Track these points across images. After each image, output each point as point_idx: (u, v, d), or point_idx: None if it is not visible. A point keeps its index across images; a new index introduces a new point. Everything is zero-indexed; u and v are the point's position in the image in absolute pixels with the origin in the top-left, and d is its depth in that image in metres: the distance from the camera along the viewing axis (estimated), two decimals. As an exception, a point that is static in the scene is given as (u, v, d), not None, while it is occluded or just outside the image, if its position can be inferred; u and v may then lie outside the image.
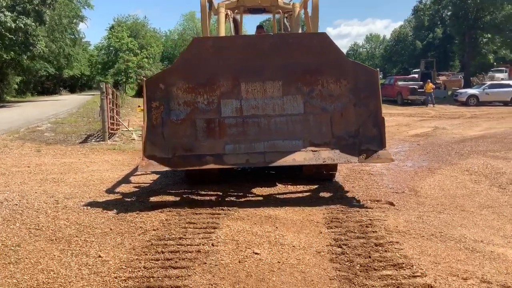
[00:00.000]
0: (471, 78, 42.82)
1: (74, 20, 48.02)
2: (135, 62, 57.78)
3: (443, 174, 8.17)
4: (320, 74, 6.43)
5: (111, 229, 5.35)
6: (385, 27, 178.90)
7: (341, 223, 5.43)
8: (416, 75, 43.38)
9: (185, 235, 5.05)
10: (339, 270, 4.07)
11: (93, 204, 6.38)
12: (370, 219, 5.53)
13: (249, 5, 8.50)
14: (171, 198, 6.79)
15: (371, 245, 4.65)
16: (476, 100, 32.34)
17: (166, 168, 6.33)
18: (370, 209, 5.99)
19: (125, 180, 8.12)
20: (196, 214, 5.88)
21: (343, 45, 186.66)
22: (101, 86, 12.74)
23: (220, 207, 6.11)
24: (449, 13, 48.64)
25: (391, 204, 6.21)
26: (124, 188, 7.48)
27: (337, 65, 6.38)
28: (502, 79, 41.22)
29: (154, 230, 5.29)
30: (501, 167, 8.61)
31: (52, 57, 45.69)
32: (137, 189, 7.38)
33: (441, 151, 11.07)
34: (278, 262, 4.30)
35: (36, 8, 27.58)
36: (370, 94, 6.38)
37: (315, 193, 6.93)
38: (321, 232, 5.13)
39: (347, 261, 4.27)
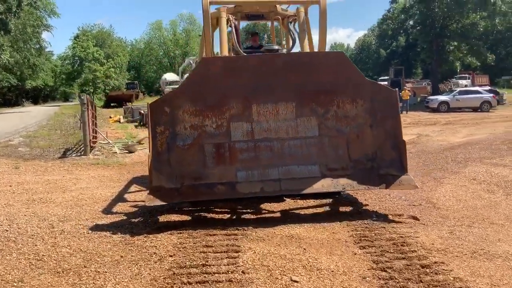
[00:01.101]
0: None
1: (38, 30, 46.37)
2: (102, 72, 56.45)
3: (451, 184, 7.94)
4: (335, 94, 6.07)
5: (121, 256, 4.80)
6: (347, 36, 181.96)
7: (372, 241, 5.05)
8: (384, 83, 43.92)
9: (207, 261, 4.56)
10: (395, 299, 3.69)
11: (93, 228, 5.80)
12: (401, 236, 5.19)
13: (247, 11, 8.09)
14: (177, 217, 6.27)
15: (417, 267, 4.28)
16: (447, 106, 32.86)
17: (175, 200, 5.82)
18: (395, 225, 5.66)
19: (120, 198, 7.52)
20: (211, 235, 5.39)
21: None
22: (82, 98, 12.04)
23: (235, 227, 5.65)
24: (411, 23, 49.70)
25: (416, 219, 5.89)
26: (122, 207, 6.91)
27: (354, 85, 6.03)
28: (466, 85, 42.31)
29: (170, 256, 4.77)
30: (507, 175, 8.46)
31: (16, 68, 43.97)
32: (136, 208, 6.82)
33: (436, 159, 10.91)
34: (324, 291, 3.87)
35: (1, 16, 26.35)
36: (387, 115, 6.06)
37: (330, 207, 6.56)
38: (355, 254, 4.74)
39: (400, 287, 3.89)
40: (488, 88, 37.52)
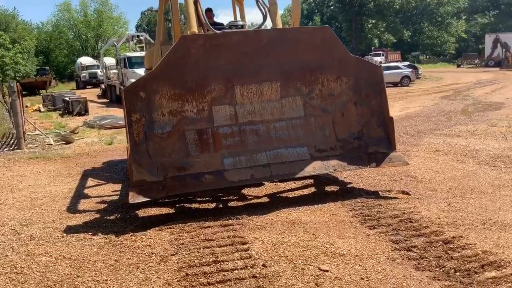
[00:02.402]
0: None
1: None
2: (10, 58, 52.10)
3: (419, 156, 8.04)
4: (320, 72, 5.79)
5: (116, 260, 4.24)
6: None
7: (378, 220, 4.89)
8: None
9: (217, 257, 4.14)
10: (440, 280, 3.52)
11: (66, 230, 5.13)
12: (404, 213, 5.08)
13: None
14: (157, 210, 5.73)
15: (440, 243, 4.17)
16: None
17: (161, 195, 5.25)
18: (390, 201, 5.55)
19: (81, 194, 6.78)
20: (205, 228, 4.95)
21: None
22: (12, 85, 10.77)
23: (227, 216, 5.24)
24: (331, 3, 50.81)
25: (407, 193, 5.83)
26: (88, 204, 6.21)
27: (340, 62, 5.78)
28: (380, 62, 44.16)
29: (172, 255, 4.29)
30: (466, 145, 8.74)
31: None
32: (106, 204, 6.16)
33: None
34: (362, 278, 3.63)
35: None
36: (372, 92, 5.89)
37: (316, 188, 6.33)
38: (368, 235, 4.54)
39: (437, 266, 3.73)
40: (407, 63, 39.39)
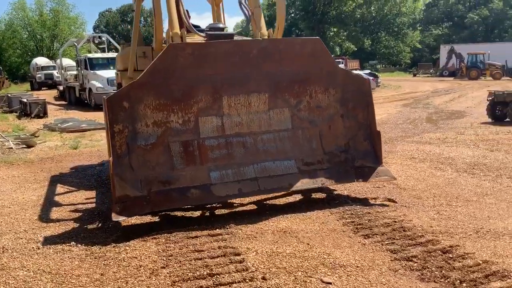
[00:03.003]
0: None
1: None
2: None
3: (396, 163, 8.06)
4: (309, 83, 5.68)
5: (101, 274, 3.96)
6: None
7: (371, 229, 4.81)
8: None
9: (212, 270, 3.92)
10: (448, 291, 3.45)
11: (42, 241, 4.78)
12: (395, 221, 5.02)
13: None
14: (138, 219, 5.43)
15: (438, 253, 4.12)
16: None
17: (145, 211, 4.98)
18: (379, 209, 5.49)
19: (52, 202, 6.38)
20: (192, 238, 4.72)
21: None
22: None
23: (214, 225, 5.03)
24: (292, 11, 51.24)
25: (393, 201, 5.80)
26: (62, 213, 5.84)
27: (328, 74, 5.69)
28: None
29: (163, 268, 4.04)
30: (440, 152, 8.86)
31: None
32: (80, 213, 5.81)
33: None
34: (368, 291, 3.50)
35: None
36: (359, 104, 5.84)
37: (302, 195, 6.18)
38: (364, 244, 4.44)
39: (441, 277, 3.66)
40: (367, 71, 40.18)
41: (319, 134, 5.78)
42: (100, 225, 5.29)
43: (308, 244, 4.47)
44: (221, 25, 7.03)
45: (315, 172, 5.59)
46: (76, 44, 28.97)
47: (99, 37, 29.03)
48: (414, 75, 58.90)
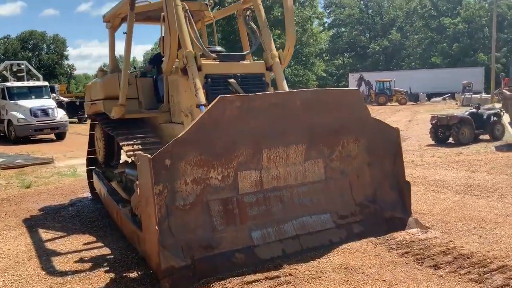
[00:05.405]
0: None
1: None
2: None
3: (391, 188, 8.06)
4: (342, 133, 5.48)
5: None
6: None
7: (432, 259, 4.63)
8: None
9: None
10: None
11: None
12: (448, 248, 4.88)
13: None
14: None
15: (523, 279, 4.03)
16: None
17: (193, 283, 4.31)
18: (421, 235, 5.31)
19: (47, 251, 5.52)
20: (251, 283, 4.26)
21: (85, 66, 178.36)
22: None
23: (264, 267, 4.56)
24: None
25: (426, 227, 5.68)
26: (70, 264, 5.05)
27: (360, 123, 5.52)
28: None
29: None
30: (424, 175, 9.05)
31: None
32: (93, 262, 5.06)
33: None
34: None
35: None
36: (387, 154, 5.74)
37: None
38: (440, 276, 4.26)
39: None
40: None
41: (350, 184, 5.60)
42: (129, 274, 4.59)
43: (384, 281, 4.19)
44: (218, 48, 6.67)
45: (350, 225, 5.38)
46: (11, 65, 26.35)
47: (18, 64, 26.81)
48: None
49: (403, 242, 5.15)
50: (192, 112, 5.64)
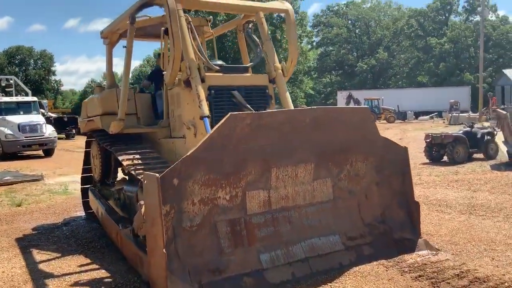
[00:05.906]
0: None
1: None
2: None
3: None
4: (351, 151, 5.38)
5: None
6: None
7: (448, 283, 4.49)
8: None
9: None
10: None
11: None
12: (462, 271, 4.73)
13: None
14: None
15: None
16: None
17: None
18: (432, 257, 5.15)
19: (44, 274, 5.28)
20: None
21: (72, 82, 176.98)
22: None
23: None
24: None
25: (436, 249, 5.55)
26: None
27: (369, 142, 5.41)
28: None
29: None
30: (426, 195, 8.93)
31: None
32: (95, 285, 4.79)
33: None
34: None
35: None
36: (395, 173, 5.62)
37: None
38: (459, 300, 4.10)
39: None
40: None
41: (358, 204, 5.48)
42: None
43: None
44: (219, 62, 6.55)
45: (360, 247, 5.24)
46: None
47: (7, 79, 26.44)
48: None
49: (415, 265, 4.99)
50: (195, 124, 5.52)
